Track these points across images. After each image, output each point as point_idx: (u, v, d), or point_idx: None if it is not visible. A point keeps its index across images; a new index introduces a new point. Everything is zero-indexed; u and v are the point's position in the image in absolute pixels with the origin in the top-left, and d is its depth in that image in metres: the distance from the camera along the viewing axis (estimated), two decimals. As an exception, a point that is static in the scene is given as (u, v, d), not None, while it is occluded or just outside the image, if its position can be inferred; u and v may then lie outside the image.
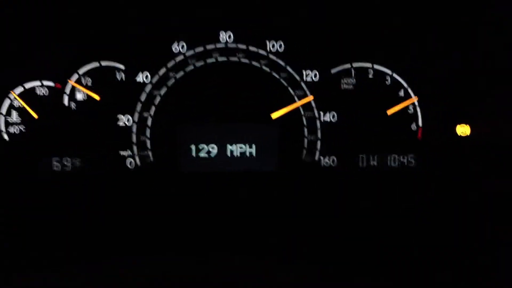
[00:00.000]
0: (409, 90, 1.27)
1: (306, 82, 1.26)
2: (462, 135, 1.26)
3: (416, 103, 1.27)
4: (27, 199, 1.20)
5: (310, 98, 1.25)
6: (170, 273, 1.02)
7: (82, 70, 1.22)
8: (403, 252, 1.11)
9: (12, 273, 1.00)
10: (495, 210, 1.18)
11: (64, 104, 1.22)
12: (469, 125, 1.26)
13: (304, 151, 1.27)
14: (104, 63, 1.23)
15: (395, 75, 1.27)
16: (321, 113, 1.26)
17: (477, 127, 1.26)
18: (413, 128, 1.28)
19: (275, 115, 1.23)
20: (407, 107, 1.27)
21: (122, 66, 1.23)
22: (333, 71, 1.27)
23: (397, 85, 1.27)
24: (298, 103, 1.24)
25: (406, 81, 1.27)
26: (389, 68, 1.27)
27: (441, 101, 1.27)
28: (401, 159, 1.28)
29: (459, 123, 1.26)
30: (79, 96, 1.22)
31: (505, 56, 1.21)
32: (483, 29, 1.23)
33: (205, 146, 1.24)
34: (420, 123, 1.27)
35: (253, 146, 1.25)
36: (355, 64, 1.27)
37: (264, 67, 1.26)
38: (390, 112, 1.27)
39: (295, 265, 1.07)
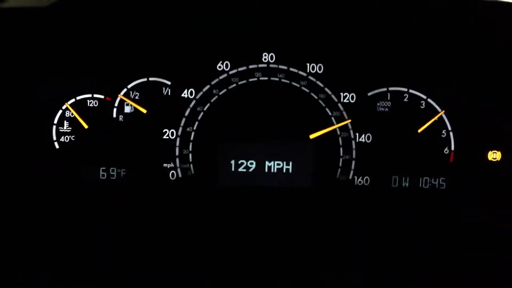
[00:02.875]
0: (444, 117, 1.31)
1: (343, 104, 1.31)
2: (493, 160, 1.30)
3: (450, 128, 1.31)
4: (72, 206, 1.26)
5: (347, 121, 1.29)
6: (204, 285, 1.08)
7: (130, 85, 1.28)
8: (432, 272, 1.16)
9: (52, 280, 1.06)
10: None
11: (112, 116, 1.28)
12: (501, 151, 1.30)
13: (339, 170, 1.31)
14: (151, 79, 1.29)
15: (429, 100, 1.31)
16: (357, 134, 1.31)
17: (509, 153, 1.30)
18: (445, 152, 1.32)
19: (313, 135, 1.28)
20: (440, 132, 1.31)
21: (168, 82, 1.29)
22: (370, 94, 1.31)
23: (431, 110, 1.32)
24: (336, 126, 1.29)
25: (440, 106, 1.31)
26: (424, 93, 1.31)
27: (473, 127, 1.31)
28: (433, 182, 1.32)
29: (491, 149, 1.30)
30: (127, 109, 1.28)
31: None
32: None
33: (244, 161, 1.29)
34: (452, 147, 1.31)
35: (290, 163, 1.30)
36: (391, 88, 1.31)
37: (303, 88, 1.31)
38: (420, 130, 1.31)
39: (326, 280, 1.12)
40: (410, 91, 1.31)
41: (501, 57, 1.27)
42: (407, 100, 1.31)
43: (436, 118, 1.30)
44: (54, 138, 1.26)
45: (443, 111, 1.31)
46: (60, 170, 1.27)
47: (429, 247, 1.25)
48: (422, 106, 1.31)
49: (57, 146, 1.27)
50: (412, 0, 1.21)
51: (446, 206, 1.31)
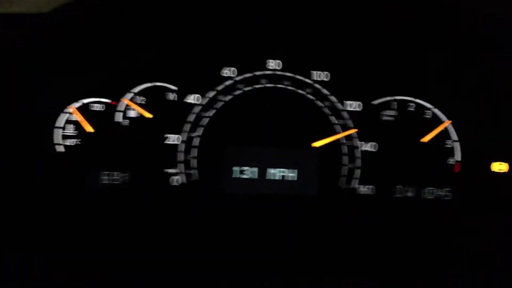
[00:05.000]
0: (450, 127, 1.30)
1: (348, 112, 1.31)
2: (499, 171, 1.29)
3: (455, 138, 1.30)
4: (75, 209, 1.26)
5: (353, 130, 1.29)
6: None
7: (136, 89, 1.29)
8: (435, 282, 1.15)
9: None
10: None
11: (117, 121, 1.28)
12: (508, 162, 1.29)
13: (343, 179, 1.31)
14: (157, 84, 1.29)
15: (435, 110, 1.31)
16: (362, 143, 1.30)
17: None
18: (451, 162, 1.31)
19: (316, 144, 1.28)
20: (445, 142, 1.30)
21: (174, 87, 1.29)
22: (375, 102, 1.31)
23: (436, 119, 1.31)
24: (341, 135, 1.29)
25: (446, 116, 1.30)
26: (430, 103, 1.31)
27: (479, 138, 1.30)
28: (437, 192, 1.31)
29: (497, 161, 1.29)
30: (132, 114, 1.29)
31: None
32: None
33: (248, 168, 1.29)
34: (458, 158, 1.30)
35: (294, 170, 1.30)
36: (397, 97, 1.31)
37: (308, 95, 1.31)
38: (424, 139, 1.30)
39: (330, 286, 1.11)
40: (416, 100, 1.31)
41: (506, 70, 1.26)
42: (412, 110, 1.31)
43: (442, 128, 1.30)
44: (60, 141, 1.27)
45: (450, 122, 1.30)
46: (64, 173, 1.27)
47: (433, 257, 1.24)
48: (428, 115, 1.31)
49: (63, 149, 1.27)
50: (420, 12, 1.21)
51: (450, 216, 1.29)
